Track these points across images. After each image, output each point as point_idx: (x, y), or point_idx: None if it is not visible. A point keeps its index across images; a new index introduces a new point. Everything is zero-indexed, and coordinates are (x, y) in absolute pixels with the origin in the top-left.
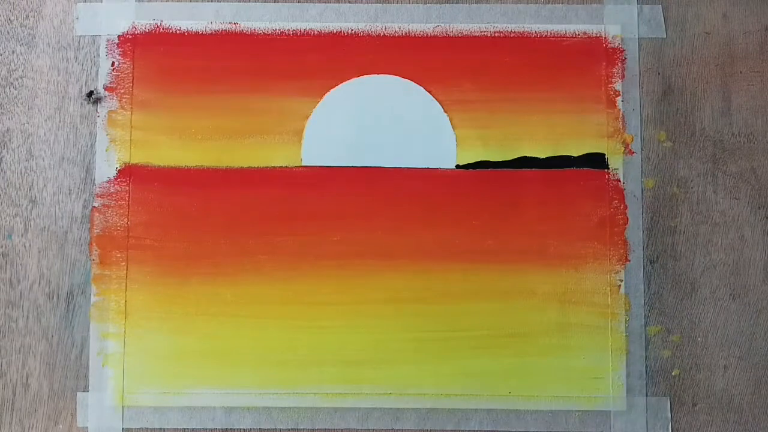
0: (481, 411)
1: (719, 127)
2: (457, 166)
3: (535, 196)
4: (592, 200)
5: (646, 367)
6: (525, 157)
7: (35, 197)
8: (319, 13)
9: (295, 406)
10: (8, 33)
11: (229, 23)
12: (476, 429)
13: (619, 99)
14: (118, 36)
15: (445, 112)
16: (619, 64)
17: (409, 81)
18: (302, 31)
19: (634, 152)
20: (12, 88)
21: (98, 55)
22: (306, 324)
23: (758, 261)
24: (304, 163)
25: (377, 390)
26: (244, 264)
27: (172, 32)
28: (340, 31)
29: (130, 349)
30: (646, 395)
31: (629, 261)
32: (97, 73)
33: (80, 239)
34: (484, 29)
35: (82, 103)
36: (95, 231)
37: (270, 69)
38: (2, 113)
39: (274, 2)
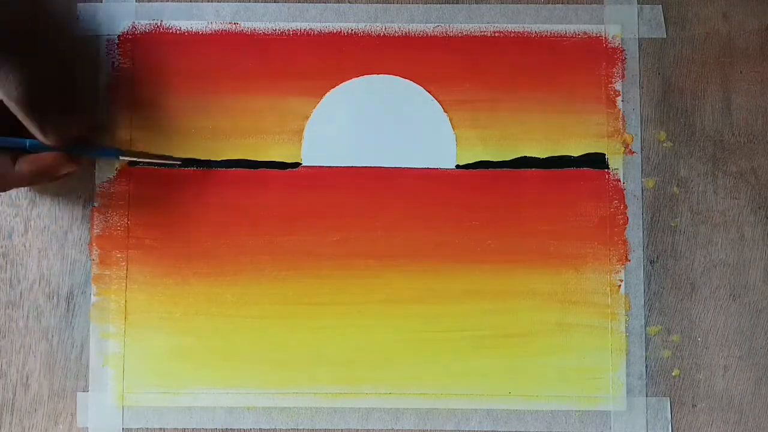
0: (481, 411)
1: (719, 127)
2: (457, 166)
3: (535, 196)
4: (592, 200)
5: (646, 367)
6: (525, 157)
7: (35, 197)
8: (319, 13)
9: (295, 406)
10: None
11: (229, 23)
12: (476, 429)
13: (619, 99)
14: (118, 36)
15: (445, 112)
16: (619, 64)
17: (409, 81)
18: (302, 31)
19: (634, 152)
20: None
21: (98, 55)
22: (306, 324)
23: (758, 261)
24: (304, 163)
25: (377, 390)
26: (244, 264)
27: (172, 32)
28: (340, 31)
29: (130, 349)
30: (646, 395)
31: (629, 261)
32: (97, 73)
33: (80, 239)
34: (484, 29)
35: None
36: (95, 231)
37: (270, 69)
38: None
39: (274, 2)
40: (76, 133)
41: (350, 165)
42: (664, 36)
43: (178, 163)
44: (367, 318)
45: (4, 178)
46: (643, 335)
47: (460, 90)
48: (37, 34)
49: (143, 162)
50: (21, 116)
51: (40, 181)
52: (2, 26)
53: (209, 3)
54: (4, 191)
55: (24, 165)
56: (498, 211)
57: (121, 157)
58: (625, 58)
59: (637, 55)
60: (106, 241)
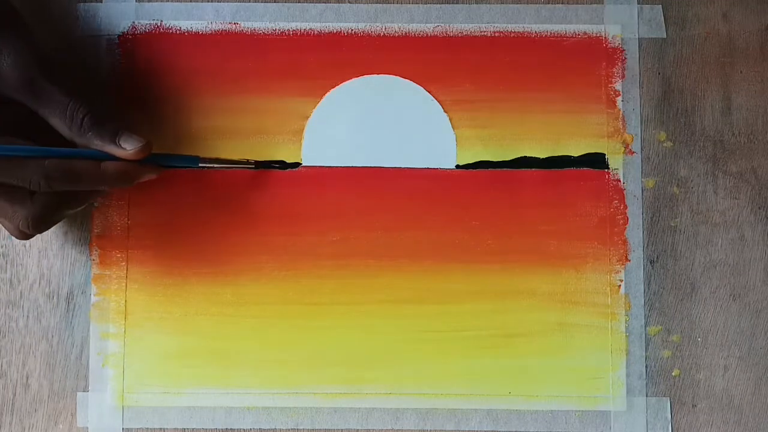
0: (481, 411)
1: (719, 127)
2: (457, 166)
3: (535, 196)
4: (592, 200)
5: (646, 367)
6: (525, 157)
7: None
8: (319, 13)
9: (295, 406)
10: None
11: (229, 23)
12: (476, 429)
13: (619, 99)
14: (118, 36)
15: (445, 112)
16: (619, 64)
17: (409, 81)
18: (302, 31)
19: (634, 152)
20: None
21: (98, 55)
22: (306, 324)
23: (758, 261)
24: (304, 163)
25: (377, 390)
26: (244, 264)
27: (172, 32)
28: (340, 31)
29: (130, 349)
30: (646, 395)
31: (629, 261)
32: (97, 73)
33: (80, 239)
34: (484, 29)
35: None
36: (95, 231)
37: (270, 69)
38: None
39: (274, 2)
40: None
41: (350, 165)
42: (664, 36)
43: (252, 165)
44: (367, 318)
45: (90, 176)
46: (643, 335)
47: (460, 90)
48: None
49: (219, 167)
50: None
51: (122, 184)
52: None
53: (209, 3)
54: (91, 191)
55: (109, 166)
56: (498, 211)
57: (200, 165)
58: (625, 58)
59: (637, 55)
60: (106, 241)
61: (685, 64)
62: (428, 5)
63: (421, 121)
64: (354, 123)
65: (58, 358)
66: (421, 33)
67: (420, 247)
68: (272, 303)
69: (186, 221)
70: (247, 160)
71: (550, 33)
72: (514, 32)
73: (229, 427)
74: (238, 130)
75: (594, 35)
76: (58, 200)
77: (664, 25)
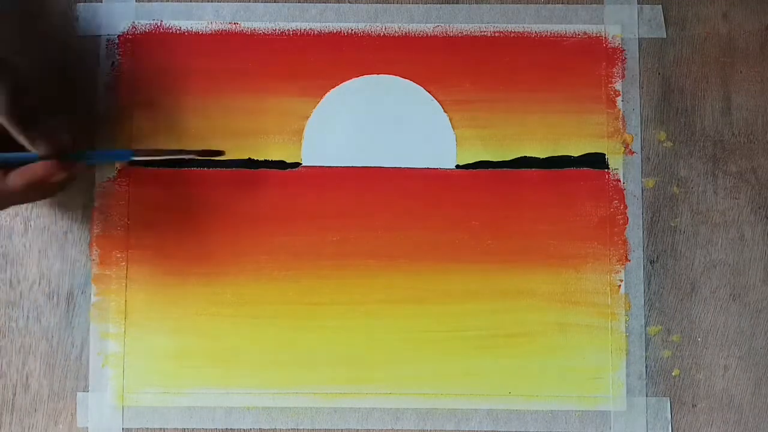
0: (481, 411)
1: (719, 127)
2: (457, 166)
3: (535, 196)
4: (592, 200)
5: (646, 367)
6: (525, 157)
7: None
8: (319, 13)
9: (295, 406)
10: None
11: (229, 23)
12: (476, 429)
13: (619, 99)
14: (118, 36)
15: (445, 112)
16: (619, 64)
17: (409, 81)
18: (302, 31)
19: (634, 152)
20: None
21: (98, 55)
22: (306, 324)
23: (758, 261)
24: (304, 163)
25: (377, 390)
26: (244, 264)
27: (172, 32)
28: (340, 31)
29: (130, 349)
30: (646, 395)
31: (629, 261)
32: (97, 73)
33: (80, 239)
34: (484, 29)
35: None
36: (95, 231)
37: (270, 69)
38: None
39: (274, 2)
40: (67, 138)
41: (350, 165)
42: (664, 36)
43: (191, 156)
44: (367, 318)
45: None
46: (643, 335)
47: (460, 90)
48: (26, 39)
49: (157, 160)
50: (8, 127)
51: (37, 194)
52: None
53: (209, 3)
54: (1, 209)
55: (15, 178)
56: (498, 211)
57: (133, 158)
58: (625, 58)
59: (637, 55)
60: (106, 241)
61: (685, 64)
62: (428, 5)
63: (421, 121)
64: (354, 123)
65: (58, 358)
66: (421, 33)
67: (420, 247)
68: (272, 303)
69: (186, 221)
70: (187, 150)
71: (550, 33)
72: (514, 32)
73: (229, 427)
74: (238, 130)
75: (594, 35)
76: None
77: (664, 25)
